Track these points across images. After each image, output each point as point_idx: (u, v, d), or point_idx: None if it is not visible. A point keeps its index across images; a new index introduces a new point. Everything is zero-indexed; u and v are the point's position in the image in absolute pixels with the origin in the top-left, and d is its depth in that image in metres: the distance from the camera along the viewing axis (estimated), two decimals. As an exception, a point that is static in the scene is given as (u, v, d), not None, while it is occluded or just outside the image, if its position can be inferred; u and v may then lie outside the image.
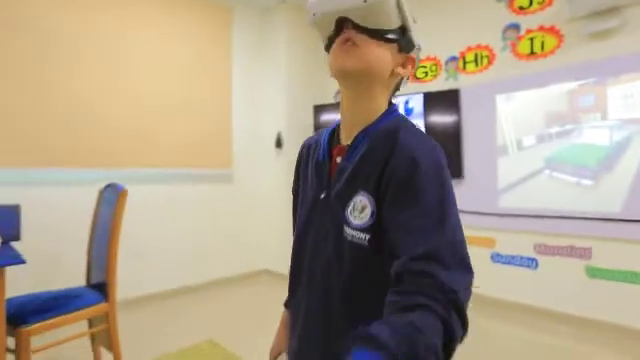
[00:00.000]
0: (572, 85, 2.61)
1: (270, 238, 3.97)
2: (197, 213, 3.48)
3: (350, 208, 0.63)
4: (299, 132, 3.98)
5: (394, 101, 0.73)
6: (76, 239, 2.29)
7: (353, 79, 0.66)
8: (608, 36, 2.46)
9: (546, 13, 2.74)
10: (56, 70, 2.65)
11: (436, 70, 3.38)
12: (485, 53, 3.08)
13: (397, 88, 0.73)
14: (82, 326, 2.08)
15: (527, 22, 2.84)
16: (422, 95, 3.27)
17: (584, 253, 2.57)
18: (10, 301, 1.64)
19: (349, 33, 0.62)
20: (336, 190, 0.67)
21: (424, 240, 0.53)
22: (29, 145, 2.54)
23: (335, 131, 0.75)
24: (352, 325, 0.61)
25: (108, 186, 2.15)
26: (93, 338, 2.14)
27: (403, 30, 0.65)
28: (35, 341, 1.63)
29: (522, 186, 2.84)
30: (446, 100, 3.21)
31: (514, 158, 2.89)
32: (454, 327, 0.46)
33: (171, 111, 3.26)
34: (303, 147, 0.84)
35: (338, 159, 0.69)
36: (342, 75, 0.66)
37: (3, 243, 1.56)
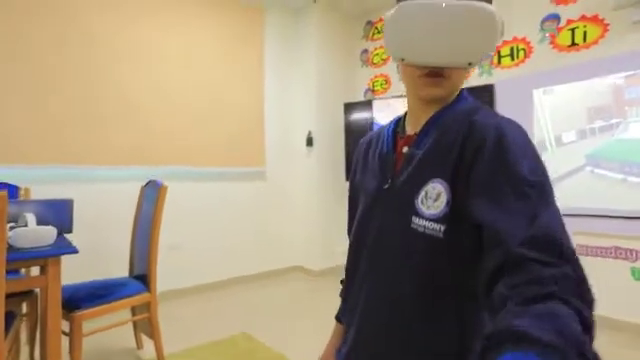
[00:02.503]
0: (617, 77, 2.47)
1: (302, 235, 4.04)
2: (231, 210, 3.60)
3: (422, 197, 0.59)
4: (330, 130, 4.01)
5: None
6: (120, 232, 2.45)
7: (439, 100, 0.65)
8: (658, 24, 2.31)
9: (588, 2, 2.61)
10: (102, 74, 2.84)
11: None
12: (522, 46, 2.97)
13: None
14: (125, 314, 2.22)
15: (568, 12, 2.71)
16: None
17: (630, 254, 2.42)
18: (64, 288, 1.79)
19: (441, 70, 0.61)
20: (403, 179, 0.63)
21: (531, 220, 0.47)
22: (79, 145, 2.73)
23: (399, 123, 0.74)
24: (427, 324, 0.59)
25: (149, 182, 2.29)
26: (135, 325, 2.29)
27: None
28: (85, 326, 1.77)
29: (562, 184, 2.72)
30: (480, 96, 3.12)
31: (553, 155, 2.77)
32: (593, 325, 0.39)
33: (206, 111, 3.39)
34: (360, 145, 0.82)
35: (405, 149, 0.66)
36: (429, 101, 0.65)
37: (58, 234, 1.71)
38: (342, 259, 3.30)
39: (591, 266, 2.54)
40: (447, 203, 0.57)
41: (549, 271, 0.42)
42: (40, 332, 1.77)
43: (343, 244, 3.87)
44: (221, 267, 3.52)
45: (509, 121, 0.58)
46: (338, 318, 0.86)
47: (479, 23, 0.56)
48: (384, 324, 0.64)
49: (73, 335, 1.72)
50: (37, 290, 1.79)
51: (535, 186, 0.50)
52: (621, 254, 2.46)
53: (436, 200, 0.58)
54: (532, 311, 0.39)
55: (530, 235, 0.46)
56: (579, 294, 0.41)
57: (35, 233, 1.54)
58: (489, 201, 0.51)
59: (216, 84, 3.47)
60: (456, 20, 0.56)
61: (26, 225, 1.60)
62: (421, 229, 0.59)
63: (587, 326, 0.38)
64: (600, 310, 2.30)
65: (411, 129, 0.69)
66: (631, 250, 2.42)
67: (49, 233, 1.60)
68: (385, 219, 0.66)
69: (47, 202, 1.82)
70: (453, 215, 0.56)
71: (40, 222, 1.67)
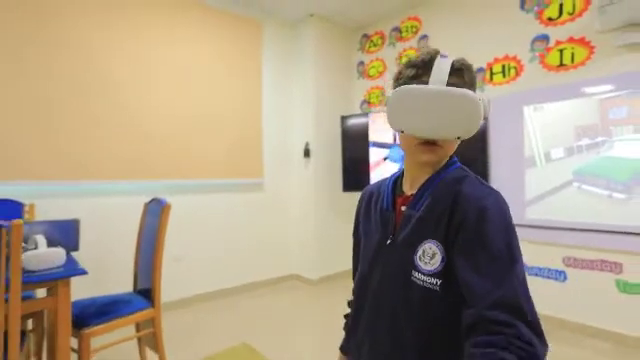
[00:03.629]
0: (603, 97, 2.58)
1: (299, 244, 4.11)
2: (230, 221, 3.67)
3: (419, 254, 0.69)
4: (326, 142, 4.09)
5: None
6: (122, 246, 2.51)
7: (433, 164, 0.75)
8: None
9: (576, 24, 2.72)
10: (103, 88, 2.89)
11: (463, 81, 3.40)
12: (513, 64, 3.08)
13: None
14: (130, 329, 2.28)
15: (556, 33, 2.83)
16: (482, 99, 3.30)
17: (615, 267, 2.54)
18: (72, 304, 1.85)
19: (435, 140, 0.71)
20: (403, 237, 0.73)
21: (498, 284, 0.58)
22: (81, 160, 2.78)
23: (397, 181, 0.83)
24: (423, 356, 0.69)
25: (152, 200, 2.34)
26: (140, 340, 2.34)
27: None
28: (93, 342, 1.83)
29: (550, 198, 2.83)
30: (473, 111, 3.22)
31: (542, 170, 2.88)
32: None
33: (205, 124, 3.46)
34: (364, 193, 0.92)
35: (403, 208, 0.76)
36: (425, 164, 0.75)
37: (66, 254, 1.77)
38: (338, 268, 3.45)
39: (578, 278, 2.67)
40: (442, 260, 0.67)
41: (508, 331, 0.55)
42: (47, 349, 1.83)
43: (339, 253, 3.96)
44: (219, 277, 3.58)
45: (490, 194, 0.68)
46: (342, 348, 0.94)
47: (462, 106, 0.66)
48: (386, 355, 0.74)
49: (82, 352, 1.78)
50: (45, 308, 1.84)
51: (504, 258, 0.61)
52: (606, 267, 2.57)
53: (432, 258, 0.68)
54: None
55: (497, 298, 0.58)
56: (524, 349, 0.54)
57: (46, 256, 1.60)
58: (469, 265, 0.62)
59: (215, 96, 3.53)
60: (443, 103, 0.67)
61: (36, 247, 1.66)
62: (420, 282, 0.69)
63: None
64: (587, 320, 2.42)
65: (408, 188, 0.79)
66: (616, 263, 2.53)
67: (59, 255, 1.67)
68: (387, 270, 0.75)
69: (55, 223, 1.87)
70: (447, 271, 0.66)
71: (49, 242, 1.73)
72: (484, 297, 0.58)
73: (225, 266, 3.62)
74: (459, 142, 0.73)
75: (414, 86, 0.68)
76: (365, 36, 4.33)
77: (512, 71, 3.08)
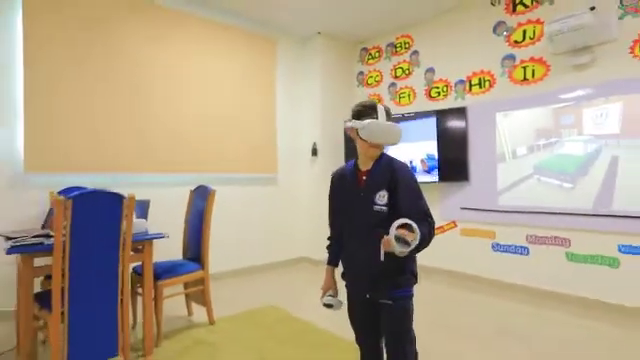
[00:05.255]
0: (556, 106, 3.23)
1: (307, 231, 4.74)
2: (249, 210, 4.28)
3: (377, 196, 1.38)
4: (331, 142, 4.72)
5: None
6: (168, 226, 3.11)
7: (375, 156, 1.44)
8: (583, 68, 3.07)
9: (536, 47, 3.37)
10: (152, 98, 3.50)
11: (447, 91, 4.05)
12: (487, 78, 3.73)
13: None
14: (179, 288, 2.87)
15: (521, 54, 3.48)
16: (435, 111, 3.95)
17: (565, 242, 3.18)
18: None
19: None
20: (366, 190, 1.42)
21: (415, 205, 1.34)
22: (130, 155, 3.39)
23: (355, 163, 1.51)
24: (375, 243, 1.32)
25: (198, 187, 2.96)
26: (187, 296, 2.95)
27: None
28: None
29: (516, 188, 3.47)
30: (455, 116, 3.87)
31: (510, 165, 3.52)
32: (432, 231, 1.30)
33: (230, 128, 4.07)
34: (335, 175, 1.59)
35: (364, 177, 1.45)
36: (372, 156, 1.45)
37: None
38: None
39: (538, 252, 3.32)
40: (388, 199, 1.36)
41: (428, 223, 1.29)
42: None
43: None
44: (239, 257, 4.18)
45: (406, 166, 1.43)
46: (329, 263, 1.61)
47: (398, 132, 1.38)
48: (366, 253, 1.39)
49: (157, 298, 2.40)
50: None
51: (417, 192, 1.36)
52: (559, 242, 3.22)
53: (383, 198, 1.37)
54: (422, 228, 1.21)
55: (416, 210, 1.29)
56: (430, 224, 1.29)
57: (139, 224, 2.22)
58: (400, 198, 1.35)
59: (237, 104, 4.15)
60: (392, 129, 1.37)
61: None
62: (377, 209, 1.37)
63: (430, 230, 1.28)
64: (543, 285, 3.10)
65: (363, 167, 1.47)
66: (565, 239, 3.18)
67: (145, 224, 2.29)
68: (360, 207, 1.43)
69: (137, 201, 2.48)
70: (389, 203, 1.35)
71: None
72: (410, 208, 1.30)
73: (243, 249, 4.23)
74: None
75: (377, 121, 1.37)
76: (364, 50, 4.97)
77: (487, 83, 3.73)
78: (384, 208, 1.36)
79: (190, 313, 2.96)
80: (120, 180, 3.33)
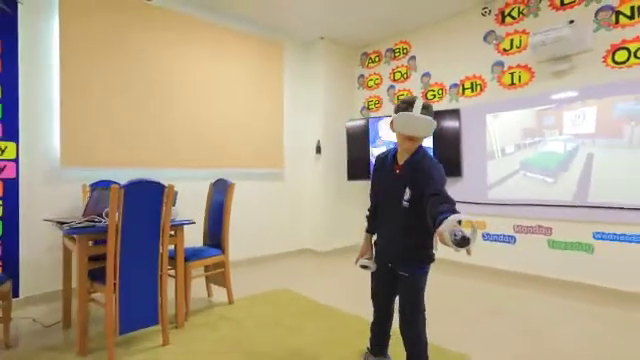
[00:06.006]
0: (539, 109, 3.58)
1: (311, 224, 5.06)
2: (258, 203, 4.59)
3: (405, 193, 1.64)
4: (334, 140, 5.05)
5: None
6: (193, 215, 3.41)
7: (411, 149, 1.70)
8: (563, 75, 3.42)
9: (522, 55, 3.72)
10: (175, 103, 3.80)
11: (442, 94, 4.40)
12: (479, 82, 4.07)
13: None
14: (199, 271, 3.17)
15: (509, 61, 3.82)
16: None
17: (547, 230, 3.54)
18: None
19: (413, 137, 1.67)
20: (399, 183, 1.67)
21: (440, 189, 1.48)
22: (154, 152, 3.68)
23: (395, 154, 1.77)
24: (400, 227, 1.66)
25: (218, 180, 3.27)
26: (207, 279, 3.26)
27: None
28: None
29: (505, 182, 3.82)
30: (450, 117, 4.21)
31: (499, 162, 3.87)
32: (453, 206, 1.36)
33: (242, 127, 4.38)
34: (379, 158, 1.87)
35: (397, 170, 1.72)
36: (407, 149, 1.69)
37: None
38: (343, 243, 4.76)
39: (523, 240, 3.67)
40: (410, 197, 1.64)
41: (441, 198, 1.45)
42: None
43: (343, 232, 4.92)
44: (247, 248, 4.49)
45: (434, 163, 1.65)
46: (367, 231, 1.93)
47: (428, 124, 1.61)
48: (392, 230, 1.72)
49: (187, 277, 2.71)
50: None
51: (440, 181, 1.57)
52: (542, 230, 3.57)
53: (406, 194, 1.65)
54: (441, 207, 1.38)
55: (436, 191, 1.51)
56: (450, 201, 1.42)
57: (173, 211, 2.52)
58: (426, 186, 1.57)
59: (249, 105, 4.46)
60: (420, 121, 1.61)
61: (161, 207, 2.58)
62: (404, 204, 1.66)
63: (452, 206, 1.37)
64: (528, 270, 3.47)
65: (400, 159, 1.75)
66: (547, 228, 3.54)
67: (176, 211, 2.59)
68: (391, 195, 1.73)
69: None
70: (411, 199, 1.64)
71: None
72: (434, 190, 1.51)
73: (253, 239, 4.53)
74: (423, 139, 1.70)
75: (408, 112, 1.62)
76: (365, 54, 5.30)
77: (478, 87, 4.07)
78: (407, 204, 1.63)
79: (210, 295, 3.27)
80: (144, 175, 3.61)
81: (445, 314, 2.85)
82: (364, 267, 1.85)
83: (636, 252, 3.05)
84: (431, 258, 1.71)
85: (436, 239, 1.55)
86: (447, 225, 1.21)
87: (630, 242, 3.08)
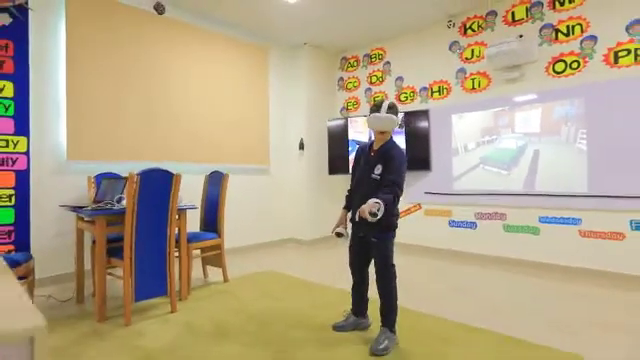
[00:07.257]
0: (495, 110, 4.12)
1: (295, 215, 5.46)
2: (245, 196, 4.95)
3: (376, 169, 2.13)
4: (316, 138, 5.46)
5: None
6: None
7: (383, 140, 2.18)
8: (514, 82, 3.97)
9: (481, 63, 4.25)
10: (171, 99, 4.12)
11: (413, 96, 4.89)
12: (445, 86, 4.58)
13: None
14: (197, 254, 3.53)
15: (470, 68, 4.35)
16: (403, 113, 4.77)
17: (502, 216, 4.08)
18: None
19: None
20: (372, 162, 2.16)
21: (390, 176, 2.05)
22: (149, 145, 3.99)
23: (371, 144, 2.24)
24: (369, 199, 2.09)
25: (213, 172, 3.63)
26: (203, 260, 3.61)
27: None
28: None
29: (467, 175, 4.34)
30: (420, 117, 4.70)
31: (462, 157, 4.39)
32: (396, 199, 2.05)
33: (231, 125, 4.73)
34: (359, 148, 2.34)
35: (372, 154, 2.19)
36: (379, 140, 2.19)
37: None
38: (325, 232, 5.29)
39: (483, 225, 4.19)
40: (381, 171, 2.12)
41: (390, 188, 2.03)
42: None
43: (325, 221, 5.35)
44: (237, 237, 4.84)
45: (400, 151, 2.14)
46: (345, 208, 2.37)
47: (392, 120, 2.10)
48: (363, 199, 2.13)
49: (188, 257, 3.06)
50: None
51: (397, 168, 2.07)
52: (498, 216, 4.11)
53: (378, 170, 2.13)
54: (386, 195, 2.00)
55: (389, 180, 2.04)
56: (394, 192, 2.02)
57: (180, 196, 2.87)
58: (385, 170, 2.09)
59: (236, 104, 4.81)
60: (385, 120, 2.10)
61: (166, 194, 2.92)
62: (374, 177, 2.14)
63: (394, 197, 2.04)
64: (487, 252, 4.03)
65: (375, 147, 2.22)
66: (502, 214, 4.08)
67: (181, 198, 2.94)
68: (365, 173, 2.19)
69: (169, 182, 3.13)
70: (381, 174, 2.11)
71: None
72: (386, 178, 2.04)
73: (241, 229, 4.89)
74: (391, 133, 2.15)
75: (375, 114, 2.10)
76: (344, 59, 5.74)
77: (445, 91, 4.58)
78: (378, 177, 2.12)
79: (206, 275, 3.62)
80: (142, 168, 3.92)
81: (414, 290, 3.32)
82: (339, 235, 2.28)
83: (573, 232, 3.61)
84: (395, 225, 2.18)
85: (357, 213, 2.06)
86: (368, 205, 1.90)
87: (568, 224, 3.64)
